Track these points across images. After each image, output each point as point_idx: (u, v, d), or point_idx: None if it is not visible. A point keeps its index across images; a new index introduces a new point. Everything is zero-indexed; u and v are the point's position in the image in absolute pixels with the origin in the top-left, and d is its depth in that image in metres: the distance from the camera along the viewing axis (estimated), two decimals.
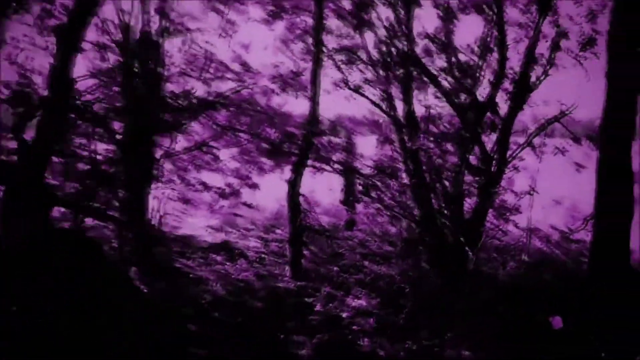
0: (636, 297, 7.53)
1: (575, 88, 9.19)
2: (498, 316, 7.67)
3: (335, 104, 10.97)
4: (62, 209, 9.68)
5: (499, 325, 7.44)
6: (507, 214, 9.94)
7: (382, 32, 9.85)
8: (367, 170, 10.51)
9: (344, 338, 7.34)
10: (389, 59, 9.78)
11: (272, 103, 11.02)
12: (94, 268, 8.02)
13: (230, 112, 10.92)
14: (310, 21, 10.36)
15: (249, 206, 11.50)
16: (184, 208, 11.22)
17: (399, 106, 10.10)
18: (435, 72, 9.71)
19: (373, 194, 10.27)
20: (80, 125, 9.78)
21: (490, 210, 9.80)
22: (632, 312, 7.28)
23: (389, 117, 10.20)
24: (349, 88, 10.39)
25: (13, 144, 8.83)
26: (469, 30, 9.93)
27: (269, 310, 8.35)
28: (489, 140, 9.61)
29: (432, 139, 9.50)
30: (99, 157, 9.90)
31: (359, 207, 12.26)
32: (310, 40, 10.45)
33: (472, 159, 9.62)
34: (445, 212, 9.67)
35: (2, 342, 6.34)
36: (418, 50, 9.75)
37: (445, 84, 9.68)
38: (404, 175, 10.15)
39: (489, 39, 9.43)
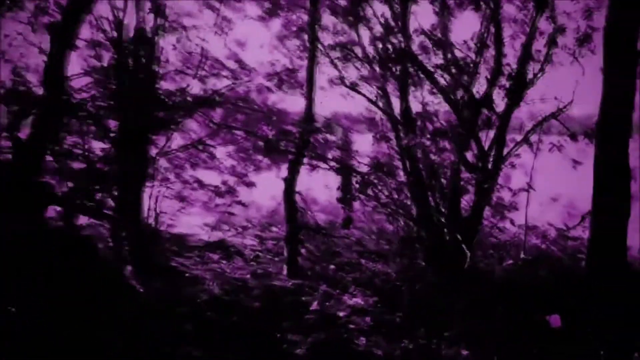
0: (633, 295, 7.53)
1: (571, 85, 9.18)
2: (495, 314, 7.63)
3: (331, 101, 10.95)
4: (57, 208, 9.61)
5: (497, 323, 7.41)
6: (504, 211, 9.93)
7: (378, 29, 9.81)
8: (363, 168, 10.47)
9: (340, 337, 7.30)
10: (385, 56, 9.73)
11: (268, 101, 11.00)
12: (88, 267, 8.00)
13: (226, 109, 10.87)
14: (305, 18, 10.31)
15: (243, 205, 11.46)
16: (180, 206, 11.18)
17: (395, 103, 10.08)
18: (431, 69, 9.65)
19: (369, 192, 10.22)
20: (75, 124, 9.70)
21: (488, 207, 9.79)
22: (630, 309, 7.27)
23: (385, 114, 10.17)
24: (345, 85, 10.36)
25: (7, 143, 8.82)
26: (466, 26, 9.91)
27: (265, 309, 8.31)
28: (486, 137, 9.58)
29: (428, 136, 9.45)
30: (93, 155, 9.83)
31: (356, 204, 12.24)
32: (305, 37, 10.40)
33: (469, 156, 9.59)
34: (442, 209, 9.64)
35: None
36: (414, 46, 9.70)
37: (441, 80, 9.62)
38: (400, 172, 10.13)
39: (485, 35, 9.38)
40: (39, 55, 9.20)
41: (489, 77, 9.51)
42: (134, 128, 9.57)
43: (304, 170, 10.60)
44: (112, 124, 9.94)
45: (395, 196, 10.22)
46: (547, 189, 10.53)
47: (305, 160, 10.42)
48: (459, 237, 9.07)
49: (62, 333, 6.56)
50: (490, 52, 9.50)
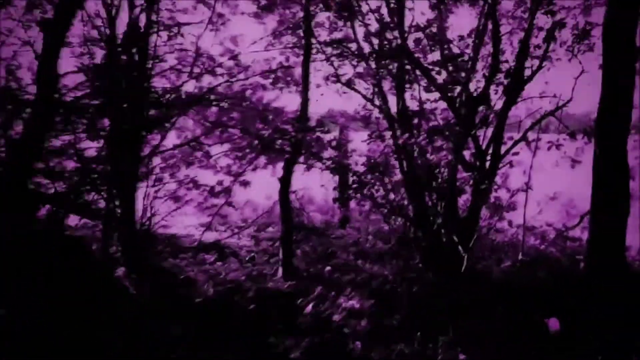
0: (633, 296, 7.44)
1: (570, 82, 9.05)
2: (494, 317, 7.53)
3: (327, 98, 10.85)
4: (50, 208, 9.50)
5: (495, 326, 7.30)
6: (502, 212, 9.81)
7: (373, 25, 9.68)
8: (359, 167, 10.35)
9: (336, 341, 7.19)
10: (380, 52, 9.59)
11: (263, 98, 10.88)
12: (81, 268, 7.90)
13: (221, 107, 10.75)
14: (300, 14, 10.17)
15: (233, 207, 11.35)
16: (175, 205, 11.07)
17: (392, 101, 9.96)
18: (428, 66, 9.52)
19: (365, 191, 10.10)
20: (67, 122, 9.58)
21: (485, 207, 9.67)
22: (629, 311, 7.18)
23: (381, 112, 10.05)
24: (341, 82, 10.24)
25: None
26: (463, 22, 9.80)
27: (259, 311, 8.20)
28: (483, 135, 9.46)
29: (425, 134, 9.32)
30: (86, 154, 9.71)
31: (353, 204, 12.14)
32: (301, 34, 10.27)
33: (466, 155, 9.47)
34: (439, 209, 9.52)
35: None
36: (410, 43, 9.56)
37: (438, 77, 9.49)
38: (397, 171, 10.02)
39: (481, 29, 9.25)
40: (31, 53, 9.09)
41: (486, 74, 9.38)
42: (127, 127, 9.44)
43: (300, 169, 10.50)
44: (105, 122, 9.81)
45: (392, 196, 10.10)
46: (546, 188, 10.45)
47: (301, 159, 10.30)
48: (455, 239, 8.93)
49: (52, 335, 6.44)
50: (488, 49, 9.38)
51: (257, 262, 10.83)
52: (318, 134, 10.17)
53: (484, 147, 9.33)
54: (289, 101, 10.87)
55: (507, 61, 9.35)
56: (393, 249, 10.88)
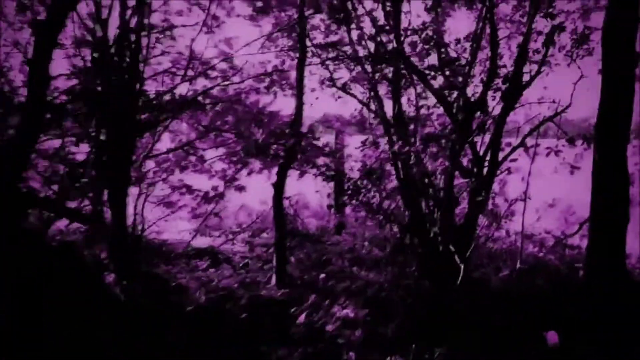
0: (633, 304, 7.32)
1: (569, 87, 8.93)
2: (492, 326, 7.39)
3: (322, 102, 10.72)
4: (40, 212, 9.36)
5: (493, 336, 7.16)
6: (500, 219, 9.67)
7: (369, 29, 9.54)
8: (355, 173, 10.21)
9: (329, 351, 7.05)
10: (376, 56, 9.46)
11: (258, 102, 10.74)
12: (70, 274, 7.76)
13: (214, 111, 10.61)
14: (296, 17, 10.03)
15: (219, 216, 11.19)
16: (168, 211, 10.93)
17: (388, 105, 9.83)
18: (424, 70, 9.39)
19: (361, 198, 9.94)
20: (58, 125, 9.44)
21: (482, 214, 9.53)
22: (629, 319, 7.06)
23: (376, 117, 9.91)
24: (336, 86, 10.13)
25: None
26: (460, 25, 9.67)
27: (251, 320, 8.05)
28: (481, 141, 9.32)
29: (421, 139, 9.18)
30: (77, 158, 9.56)
31: (348, 209, 12.00)
32: (296, 37, 10.14)
33: (464, 161, 9.33)
34: (435, 216, 9.37)
35: None
36: (406, 46, 9.43)
37: (434, 82, 9.36)
38: (393, 177, 9.88)
39: (479, 32, 9.12)
40: (22, 55, 8.96)
41: (484, 78, 9.25)
42: (118, 130, 9.28)
43: (294, 174, 10.36)
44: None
45: (387, 202, 9.95)
46: (544, 195, 10.33)
47: (295, 164, 10.15)
48: (451, 247, 8.77)
49: (40, 341, 6.32)
50: (485, 53, 9.25)
51: (251, 268, 10.68)
52: (311, 139, 10.02)
53: (481, 153, 9.18)
54: (284, 105, 10.77)
55: (505, 66, 9.20)
56: (389, 256, 10.73)
